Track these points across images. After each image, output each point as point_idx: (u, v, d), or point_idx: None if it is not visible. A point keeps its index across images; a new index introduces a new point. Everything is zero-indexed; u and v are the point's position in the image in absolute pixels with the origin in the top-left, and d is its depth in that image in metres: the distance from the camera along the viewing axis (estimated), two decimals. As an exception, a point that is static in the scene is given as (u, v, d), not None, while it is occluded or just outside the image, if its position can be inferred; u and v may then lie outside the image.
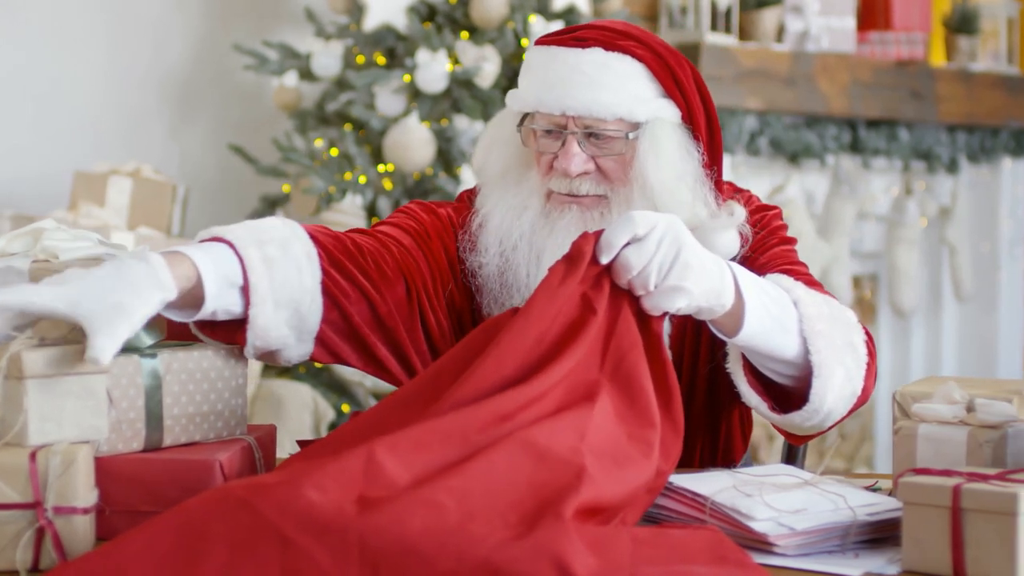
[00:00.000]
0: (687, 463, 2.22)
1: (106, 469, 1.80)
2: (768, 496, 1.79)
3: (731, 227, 2.16)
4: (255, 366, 4.05)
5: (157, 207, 4.22)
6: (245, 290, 1.95)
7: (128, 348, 1.86)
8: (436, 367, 1.87)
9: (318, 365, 4.38)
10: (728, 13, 5.26)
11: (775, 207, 2.32)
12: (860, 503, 1.79)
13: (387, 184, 4.35)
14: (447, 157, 4.35)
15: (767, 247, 2.23)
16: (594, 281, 1.85)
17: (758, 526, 1.74)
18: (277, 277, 1.98)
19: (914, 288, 6.03)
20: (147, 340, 1.89)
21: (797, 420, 2.03)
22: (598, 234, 1.87)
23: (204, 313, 1.93)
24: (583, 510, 1.65)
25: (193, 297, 1.90)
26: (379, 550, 1.53)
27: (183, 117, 4.81)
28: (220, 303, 1.94)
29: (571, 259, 1.86)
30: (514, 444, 1.69)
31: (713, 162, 2.20)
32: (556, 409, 1.75)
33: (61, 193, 4.42)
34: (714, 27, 5.22)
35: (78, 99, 4.60)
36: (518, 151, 2.23)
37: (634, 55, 2.14)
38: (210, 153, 4.82)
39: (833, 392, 2.01)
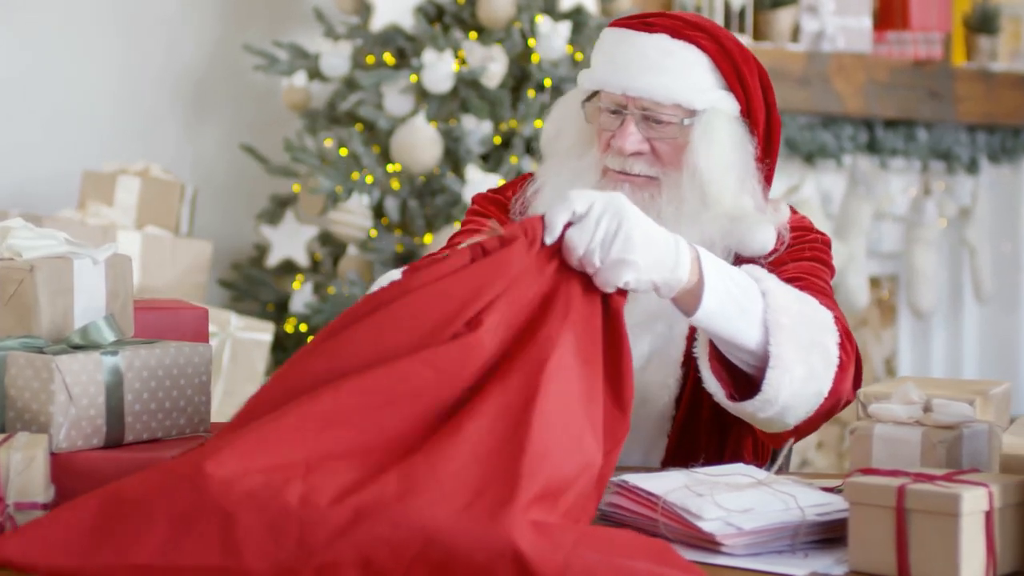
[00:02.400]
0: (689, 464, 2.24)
1: (64, 465, 1.83)
2: (719, 496, 1.79)
3: (770, 224, 2.21)
4: (260, 365, 4.07)
5: (165, 206, 4.24)
6: None
7: (89, 345, 1.89)
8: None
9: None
10: (742, 13, 5.25)
11: (825, 235, 2.32)
12: (810, 503, 1.79)
13: (395, 184, 4.36)
14: (455, 157, 4.36)
15: (797, 259, 2.24)
16: (545, 261, 1.87)
17: (706, 525, 1.74)
18: None
19: (932, 289, 5.99)
20: (109, 337, 1.91)
21: (750, 410, 2.04)
22: (541, 218, 1.88)
23: None
24: (534, 491, 1.65)
25: None
26: (318, 523, 1.58)
27: (196, 117, 4.84)
28: None
29: (504, 240, 1.85)
30: (464, 421, 1.72)
31: (767, 158, 2.25)
32: (509, 381, 1.76)
33: (72, 192, 4.45)
34: (727, 27, 5.21)
35: (91, 99, 4.63)
36: (583, 128, 2.30)
37: (699, 45, 2.19)
38: (224, 153, 4.85)
39: (791, 387, 2.01)
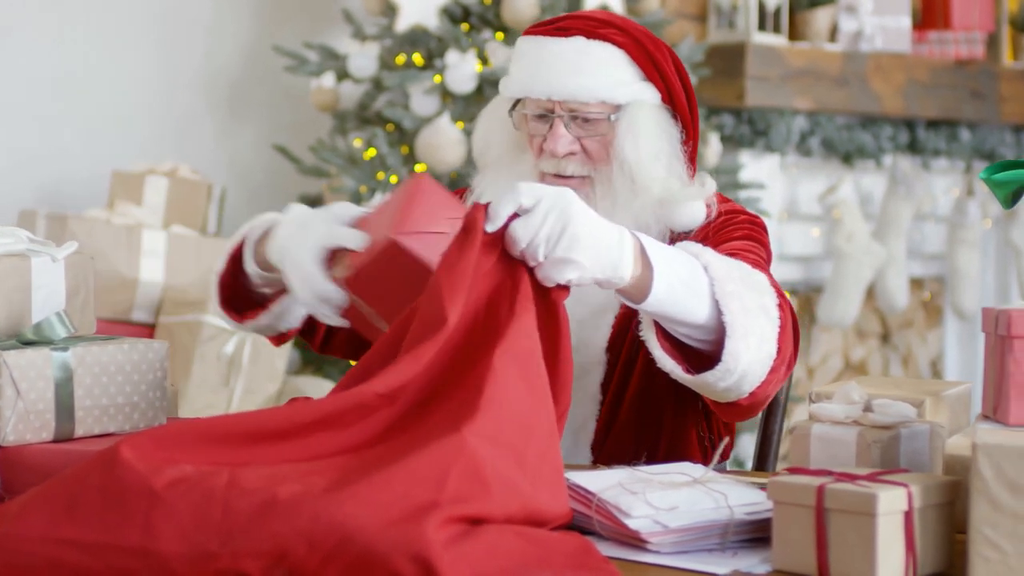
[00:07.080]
0: (619, 462, 2.24)
1: (11, 458, 1.87)
2: (651, 494, 1.79)
3: (697, 198, 2.29)
4: (280, 363, 4.11)
5: (192, 206, 4.30)
6: None
7: (40, 341, 1.93)
8: (367, 356, 1.91)
9: (352, 363, 4.43)
10: (777, 12, 5.23)
11: (757, 217, 2.36)
12: (741, 502, 1.79)
13: (419, 184, 4.38)
14: (479, 157, 4.38)
15: (729, 239, 2.27)
16: (487, 251, 1.89)
17: (632, 523, 1.75)
18: None
19: (976, 290, 5.93)
20: (61, 333, 1.95)
21: (711, 380, 2.04)
22: (485, 206, 1.90)
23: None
24: (459, 494, 1.67)
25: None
26: (241, 511, 1.61)
27: (231, 118, 4.89)
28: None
29: (465, 230, 1.90)
30: (402, 431, 1.74)
31: (691, 139, 2.33)
32: (448, 388, 1.79)
33: (105, 193, 4.51)
34: (762, 27, 5.19)
35: (127, 101, 4.70)
36: (512, 135, 2.36)
37: (614, 42, 2.27)
38: (258, 154, 4.90)
39: (748, 354, 2.02)
